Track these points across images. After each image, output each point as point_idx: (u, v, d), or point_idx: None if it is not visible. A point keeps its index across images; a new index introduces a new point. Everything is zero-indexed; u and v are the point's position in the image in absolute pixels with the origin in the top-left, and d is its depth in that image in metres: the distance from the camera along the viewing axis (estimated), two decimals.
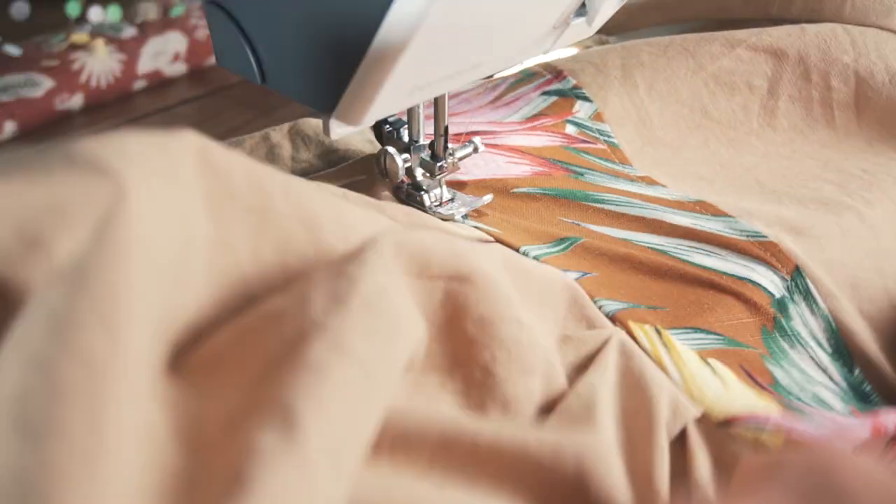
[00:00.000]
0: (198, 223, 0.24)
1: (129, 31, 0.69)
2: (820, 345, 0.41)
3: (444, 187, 0.44)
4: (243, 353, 0.23)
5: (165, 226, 0.22)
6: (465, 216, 0.43)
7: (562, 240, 0.42)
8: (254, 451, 0.20)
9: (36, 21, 0.71)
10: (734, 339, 0.38)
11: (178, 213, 0.23)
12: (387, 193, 0.44)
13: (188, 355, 0.23)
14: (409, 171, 0.43)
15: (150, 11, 0.71)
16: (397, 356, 0.24)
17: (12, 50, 0.64)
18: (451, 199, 0.44)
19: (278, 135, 0.48)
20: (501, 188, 0.46)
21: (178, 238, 0.23)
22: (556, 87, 0.54)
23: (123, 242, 0.20)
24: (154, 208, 0.22)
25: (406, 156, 0.42)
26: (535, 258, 0.40)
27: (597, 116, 0.52)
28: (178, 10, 0.73)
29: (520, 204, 0.45)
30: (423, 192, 0.43)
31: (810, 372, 0.40)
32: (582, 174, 0.48)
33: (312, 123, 0.49)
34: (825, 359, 0.41)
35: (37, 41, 0.66)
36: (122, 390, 0.19)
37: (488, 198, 0.44)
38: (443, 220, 0.43)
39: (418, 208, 0.44)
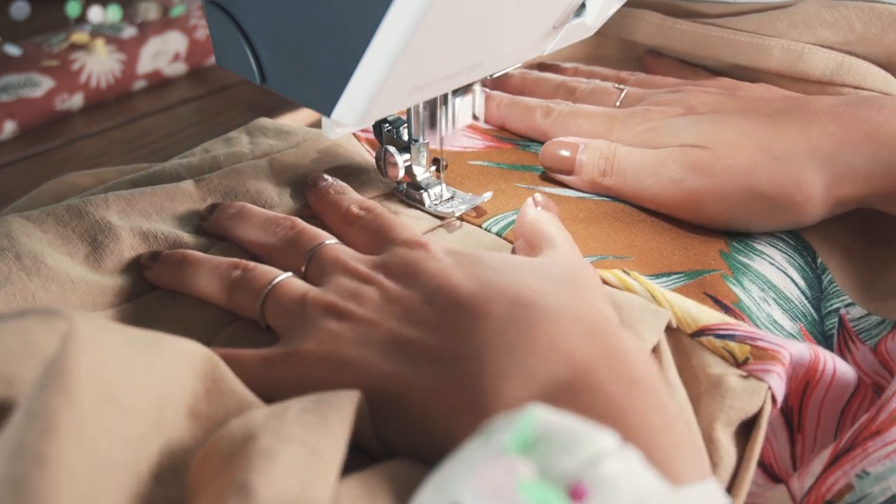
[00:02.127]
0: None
1: (129, 31, 0.69)
2: (779, 242, 0.44)
3: (444, 186, 0.44)
4: (207, 470, 0.25)
5: (126, 371, 0.25)
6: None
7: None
8: None
9: (36, 21, 0.71)
10: (695, 270, 0.40)
11: (146, 369, 0.25)
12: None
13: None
14: (409, 170, 0.43)
15: (150, 11, 0.71)
16: (339, 436, 0.25)
17: (12, 50, 0.63)
18: (451, 198, 0.44)
19: (234, 132, 0.50)
20: (458, 158, 0.48)
21: (146, 390, 0.25)
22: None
23: (69, 370, 0.22)
24: (106, 350, 0.24)
25: (406, 155, 0.43)
26: (499, 232, 0.42)
27: None
28: (178, 10, 0.73)
29: (477, 174, 0.47)
30: (422, 191, 0.43)
31: (771, 278, 0.41)
32: (527, 146, 0.51)
33: (267, 121, 0.50)
34: (789, 253, 0.43)
35: (37, 41, 0.66)
36: None
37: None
38: (441, 217, 0.43)
39: (418, 207, 0.44)
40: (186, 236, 0.40)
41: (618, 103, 0.50)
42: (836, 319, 0.42)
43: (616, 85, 0.52)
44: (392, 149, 0.42)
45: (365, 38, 0.31)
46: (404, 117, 0.43)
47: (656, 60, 0.59)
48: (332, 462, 0.24)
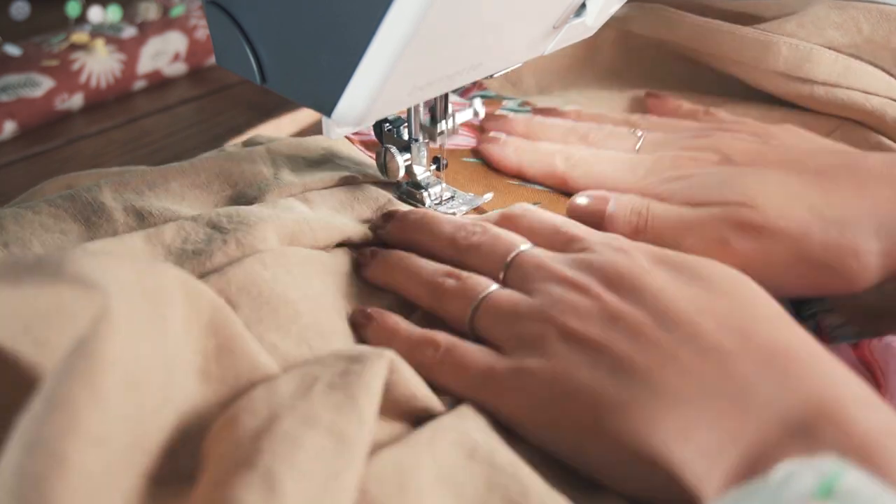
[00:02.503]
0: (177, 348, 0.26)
1: (129, 31, 0.69)
2: None
3: (444, 185, 0.44)
4: (224, 440, 0.24)
5: (144, 345, 0.24)
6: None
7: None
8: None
9: (36, 21, 0.71)
10: None
11: (158, 335, 0.25)
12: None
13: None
14: (409, 170, 0.43)
15: (150, 11, 0.71)
16: (365, 422, 0.25)
17: (12, 50, 0.63)
18: (452, 198, 0.44)
19: (230, 146, 0.49)
20: (452, 155, 0.49)
21: (158, 358, 0.25)
22: (478, 92, 0.60)
23: (98, 359, 0.22)
24: (134, 328, 0.24)
25: (406, 154, 0.43)
26: None
27: (524, 104, 0.58)
28: (178, 10, 0.73)
29: (472, 171, 0.48)
30: (423, 191, 0.43)
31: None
32: None
33: (263, 136, 0.50)
34: None
35: (37, 41, 0.66)
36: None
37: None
38: None
39: (419, 207, 0.44)
40: (182, 212, 0.40)
41: (637, 148, 0.47)
42: (814, 325, 0.41)
43: (631, 130, 0.49)
44: (392, 148, 0.42)
45: (365, 38, 0.31)
46: (404, 117, 0.43)
47: (661, 101, 0.55)
48: (358, 448, 0.24)
